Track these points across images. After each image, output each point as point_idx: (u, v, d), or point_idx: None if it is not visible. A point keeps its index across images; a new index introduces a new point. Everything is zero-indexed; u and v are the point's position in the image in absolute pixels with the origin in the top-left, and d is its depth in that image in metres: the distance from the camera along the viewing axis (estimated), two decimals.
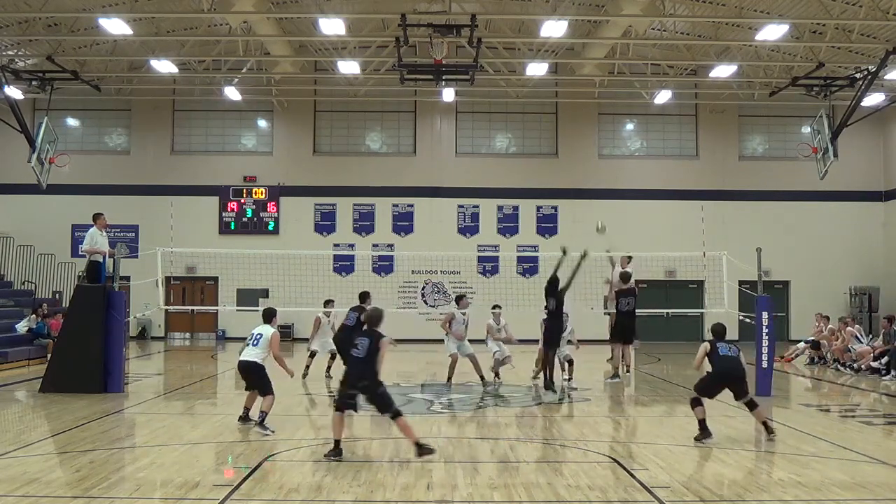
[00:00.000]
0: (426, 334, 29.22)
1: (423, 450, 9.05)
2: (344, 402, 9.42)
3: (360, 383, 9.30)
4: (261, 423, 10.92)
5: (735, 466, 9.18)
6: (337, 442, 9.35)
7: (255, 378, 11.16)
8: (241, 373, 11.44)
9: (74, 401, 13.46)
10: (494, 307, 17.08)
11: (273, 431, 10.75)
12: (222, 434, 10.99)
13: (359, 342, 9.46)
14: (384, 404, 9.26)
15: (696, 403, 10.61)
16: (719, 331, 10.99)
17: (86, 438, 10.44)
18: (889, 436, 11.93)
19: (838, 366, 20.12)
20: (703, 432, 10.47)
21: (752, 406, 10.67)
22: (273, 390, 11.10)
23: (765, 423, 10.70)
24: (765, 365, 14.99)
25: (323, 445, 10.10)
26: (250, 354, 11.17)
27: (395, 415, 9.21)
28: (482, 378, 16.08)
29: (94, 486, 7.88)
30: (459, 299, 16.82)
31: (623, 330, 17.44)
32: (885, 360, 18.49)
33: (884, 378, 17.90)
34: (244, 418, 11.43)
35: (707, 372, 10.88)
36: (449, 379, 16.26)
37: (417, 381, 17.78)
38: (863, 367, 19.07)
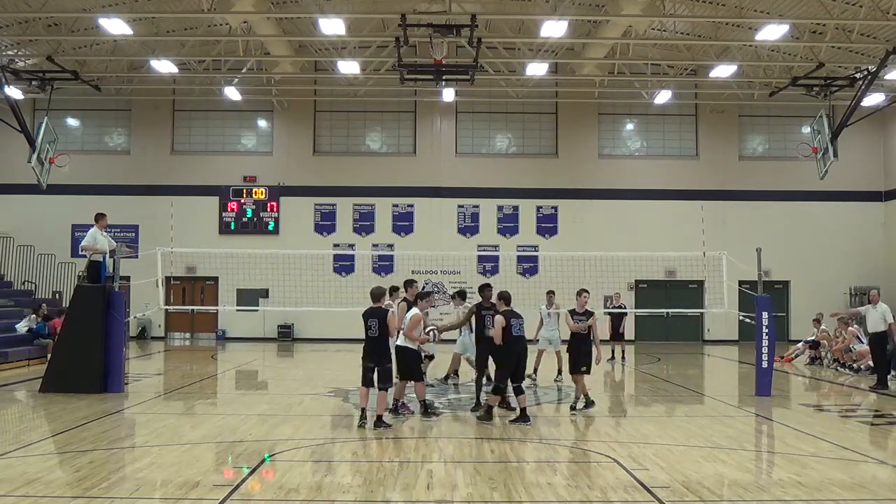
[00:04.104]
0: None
1: (381, 423, 10.92)
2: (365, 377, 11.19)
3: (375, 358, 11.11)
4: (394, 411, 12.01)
5: (735, 466, 9.18)
6: (363, 410, 11.20)
7: (401, 364, 11.80)
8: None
9: (74, 401, 13.45)
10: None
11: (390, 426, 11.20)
12: (222, 434, 10.99)
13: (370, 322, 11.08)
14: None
15: (502, 391, 11.76)
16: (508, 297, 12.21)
17: (86, 438, 10.44)
18: (889, 436, 11.92)
19: (838, 366, 20.12)
20: (488, 413, 11.76)
21: (519, 391, 11.72)
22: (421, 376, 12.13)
23: (521, 409, 11.59)
24: (765, 365, 15.01)
25: (323, 445, 10.11)
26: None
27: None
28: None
29: (94, 486, 7.87)
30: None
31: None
32: None
33: None
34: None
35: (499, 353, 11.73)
36: (534, 370, 16.55)
37: None
38: (862, 367, 19.05)
